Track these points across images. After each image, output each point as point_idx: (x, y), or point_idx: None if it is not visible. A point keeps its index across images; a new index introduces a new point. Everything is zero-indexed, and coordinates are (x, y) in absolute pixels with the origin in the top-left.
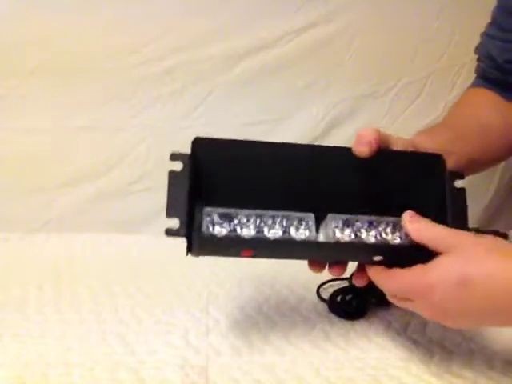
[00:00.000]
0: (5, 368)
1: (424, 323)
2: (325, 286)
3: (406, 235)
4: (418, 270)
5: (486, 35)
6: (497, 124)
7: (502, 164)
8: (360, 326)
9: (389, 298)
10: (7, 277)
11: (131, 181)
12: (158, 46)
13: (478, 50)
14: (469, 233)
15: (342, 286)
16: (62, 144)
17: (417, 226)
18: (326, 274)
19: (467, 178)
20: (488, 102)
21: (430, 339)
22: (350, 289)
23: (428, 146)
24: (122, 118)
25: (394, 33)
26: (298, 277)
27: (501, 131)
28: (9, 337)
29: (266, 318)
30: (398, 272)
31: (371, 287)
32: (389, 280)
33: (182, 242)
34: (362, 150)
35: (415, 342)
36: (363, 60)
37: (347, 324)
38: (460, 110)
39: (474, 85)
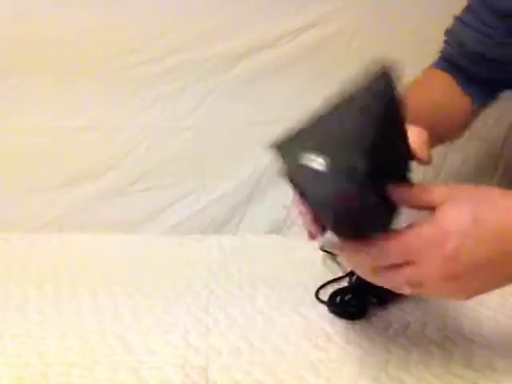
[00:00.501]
0: (5, 368)
1: (424, 323)
2: (324, 286)
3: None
4: (422, 224)
5: (460, 21)
6: (449, 109)
7: (502, 165)
8: (360, 325)
9: (370, 272)
10: (7, 277)
11: (131, 181)
12: (158, 46)
13: (448, 33)
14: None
15: (341, 287)
16: (62, 144)
17: (408, 188)
18: (324, 276)
19: (468, 180)
20: (447, 87)
21: (429, 339)
22: (350, 289)
23: None
24: (122, 118)
25: (394, 33)
26: (298, 277)
27: (453, 115)
28: (9, 337)
29: (265, 318)
30: (398, 232)
31: (371, 287)
32: (387, 241)
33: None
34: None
35: (415, 342)
36: (363, 60)
37: (347, 324)
38: (414, 89)
39: (438, 66)
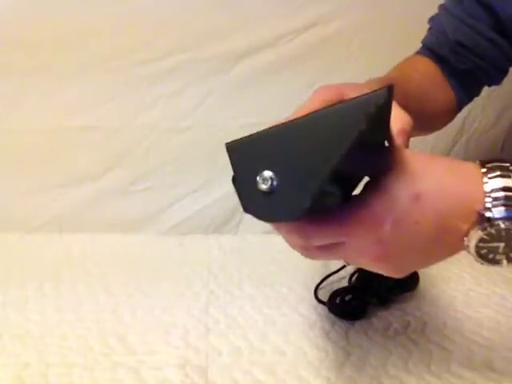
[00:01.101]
0: (5, 368)
1: (424, 323)
2: (323, 285)
3: None
4: (356, 200)
5: (444, 9)
6: (433, 95)
7: None
8: (360, 325)
9: (300, 248)
10: (7, 277)
11: (131, 181)
12: (158, 46)
13: (432, 21)
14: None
15: (341, 287)
16: (62, 144)
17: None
18: (323, 273)
19: None
20: (431, 71)
21: (429, 339)
22: (350, 289)
23: None
24: (122, 118)
25: (394, 33)
26: (298, 277)
27: (437, 102)
28: (9, 337)
29: (266, 317)
30: (328, 213)
31: (371, 287)
32: (318, 223)
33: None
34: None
35: (415, 342)
36: (363, 60)
37: (347, 324)
38: (401, 73)
39: (420, 53)
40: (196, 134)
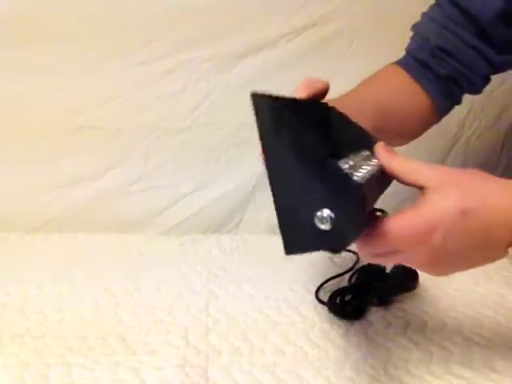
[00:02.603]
0: (5, 368)
1: (424, 323)
2: (324, 286)
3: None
4: (409, 215)
5: (426, 16)
6: (401, 107)
7: (502, 165)
8: (360, 325)
9: (367, 257)
10: (7, 277)
11: (131, 181)
12: (158, 46)
13: (415, 27)
14: (446, 166)
15: (341, 287)
16: (62, 144)
17: (395, 157)
18: (324, 276)
19: None
20: (399, 82)
21: (429, 339)
22: (350, 289)
23: None
24: (122, 118)
25: (394, 33)
26: (298, 277)
27: (403, 115)
28: (9, 337)
29: (266, 318)
30: (384, 223)
31: (371, 287)
32: (373, 234)
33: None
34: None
35: (415, 342)
36: (363, 60)
37: (347, 324)
38: (366, 88)
39: (402, 62)
40: (196, 133)
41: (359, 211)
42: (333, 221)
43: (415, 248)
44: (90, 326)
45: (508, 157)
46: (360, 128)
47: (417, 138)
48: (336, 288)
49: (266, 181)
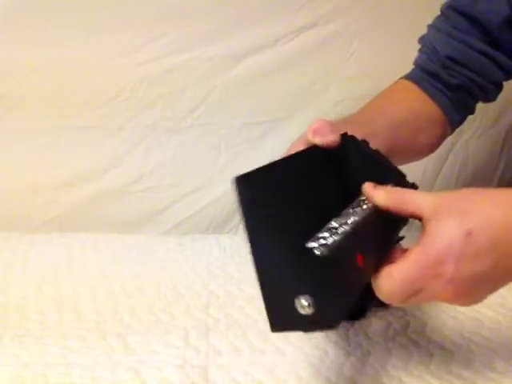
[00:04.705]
0: (5, 368)
1: (424, 323)
2: None
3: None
4: (415, 252)
5: (432, 27)
6: (413, 122)
7: (502, 165)
8: (360, 325)
9: (398, 303)
10: (7, 277)
11: (131, 181)
12: (158, 46)
13: (422, 40)
14: (438, 192)
15: None
16: (62, 144)
17: (388, 193)
18: None
19: (468, 180)
20: (410, 97)
21: (429, 339)
22: None
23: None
24: (122, 118)
25: (394, 33)
26: None
27: (415, 130)
28: (9, 337)
29: (266, 318)
30: (392, 268)
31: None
32: (388, 282)
33: (180, 244)
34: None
35: (415, 343)
36: (363, 60)
37: (347, 324)
38: (377, 105)
39: (411, 75)
40: (196, 133)
41: (338, 288)
42: (314, 306)
43: (432, 284)
44: (90, 326)
45: (508, 157)
46: (382, 158)
47: (432, 152)
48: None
49: None
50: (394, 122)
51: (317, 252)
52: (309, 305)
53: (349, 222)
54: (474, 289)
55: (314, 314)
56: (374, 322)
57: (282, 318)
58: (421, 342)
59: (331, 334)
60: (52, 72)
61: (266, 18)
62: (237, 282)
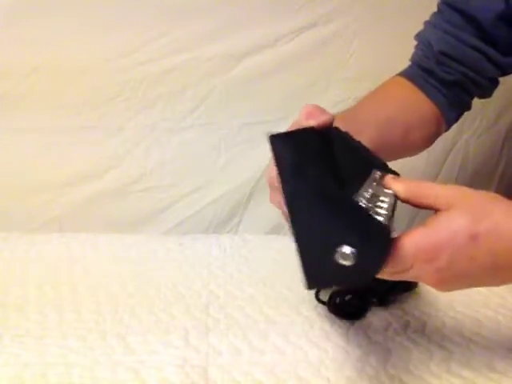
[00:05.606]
0: (5, 368)
1: (423, 323)
2: None
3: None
4: (418, 232)
5: (429, 23)
6: (402, 119)
7: (502, 165)
8: (360, 325)
9: (384, 275)
10: (7, 277)
11: (131, 181)
12: (158, 46)
13: (418, 36)
14: (459, 186)
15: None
16: (62, 144)
17: (407, 185)
18: None
19: (468, 180)
20: (402, 94)
21: (429, 339)
22: (350, 289)
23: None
24: (122, 118)
25: (394, 33)
26: (298, 277)
27: (408, 126)
28: (9, 337)
29: (266, 318)
30: (396, 242)
31: (371, 287)
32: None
33: (180, 244)
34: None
35: (415, 342)
36: (363, 60)
37: (347, 324)
38: (368, 103)
39: (407, 72)
40: (196, 133)
41: (384, 251)
42: (356, 257)
43: (421, 266)
44: (90, 326)
45: (508, 157)
46: (363, 147)
47: (427, 148)
48: (336, 288)
49: (266, 181)
50: (379, 119)
51: (379, 218)
52: (351, 254)
53: (382, 198)
54: (456, 283)
55: (354, 265)
56: (374, 322)
57: (318, 271)
58: (420, 342)
59: (331, 334)
60: (52, 72)
61: (266, 18)
62: (237, 282)
